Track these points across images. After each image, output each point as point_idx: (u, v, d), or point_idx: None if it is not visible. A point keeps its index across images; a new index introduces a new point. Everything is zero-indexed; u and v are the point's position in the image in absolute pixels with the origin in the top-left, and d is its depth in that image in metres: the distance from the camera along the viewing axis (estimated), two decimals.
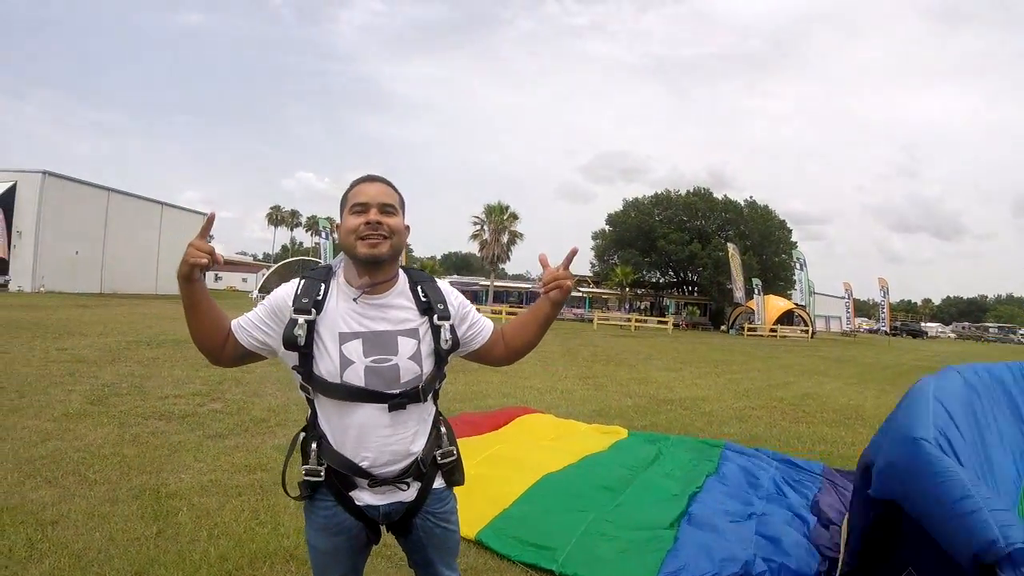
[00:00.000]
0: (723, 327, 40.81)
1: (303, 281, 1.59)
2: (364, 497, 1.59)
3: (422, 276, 1.68)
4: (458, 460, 1.71)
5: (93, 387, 6.60)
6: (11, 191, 29.27)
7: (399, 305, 1.59)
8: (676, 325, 36.10)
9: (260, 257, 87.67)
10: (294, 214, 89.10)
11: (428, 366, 1.59)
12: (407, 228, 1.65)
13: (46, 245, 29.78)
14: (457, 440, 1.76)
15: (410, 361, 1.55)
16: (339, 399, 1.53)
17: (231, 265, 64.81)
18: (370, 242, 1.52)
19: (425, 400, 1.59)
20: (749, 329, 35.68)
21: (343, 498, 1.59)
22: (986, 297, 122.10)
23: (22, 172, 30.05)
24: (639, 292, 49.23)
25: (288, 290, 1.58)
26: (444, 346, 1.60)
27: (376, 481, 1.57)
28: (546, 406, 7.24)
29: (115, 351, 9.53)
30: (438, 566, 1.74)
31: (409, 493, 1.62)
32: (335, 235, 1.85)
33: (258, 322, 1.60)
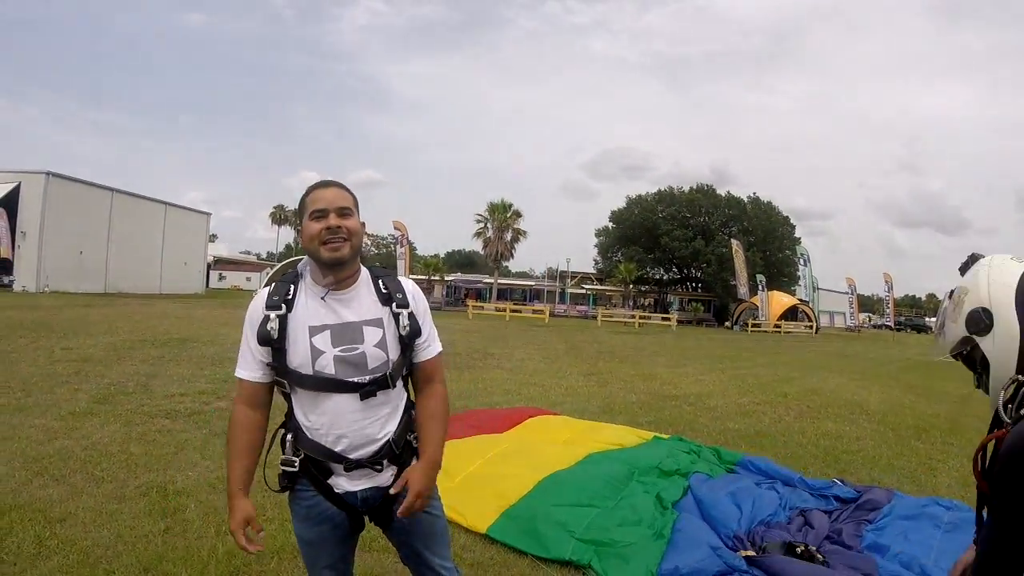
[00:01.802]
0: (727, 323, 40.76)
1: (272, 286, 1.72)
2: (342, 483, 1.67)
3: (382, 271, 1.79)
4: None
5: (99, 386, 6.63)
6: (15, 192, 29.29)
7: (363, 298, 1.70)
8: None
9: (264, 256, 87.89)
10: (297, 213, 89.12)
11: (394, 353, 1.68)
12: (363, 225, 1.75)
13: (50, 245, 29.81)
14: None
15: (376, 348, 1.65)
16: (312, 389, 1.63)
17: (235, 264, 65.07)
18: (332, 246, 1.62)
19: (394, 386, 1.68)
20: (753, 325, 35.63)
21: (322, 486, 1.67)
22: None
23: (26, 173, 30.05)
24: (643, 289, 49.21)
25: (259, 298, 1.70)
26: (403, 332, 1.69)
27: (351, 464, 1.65)
28: (551, 403, 7.25)
29: (120, 350, 9.57)
30: (427, 556, 1.76)
31: (385, 477, 1.69)
32: None
33: (250, 351, 1.68)
